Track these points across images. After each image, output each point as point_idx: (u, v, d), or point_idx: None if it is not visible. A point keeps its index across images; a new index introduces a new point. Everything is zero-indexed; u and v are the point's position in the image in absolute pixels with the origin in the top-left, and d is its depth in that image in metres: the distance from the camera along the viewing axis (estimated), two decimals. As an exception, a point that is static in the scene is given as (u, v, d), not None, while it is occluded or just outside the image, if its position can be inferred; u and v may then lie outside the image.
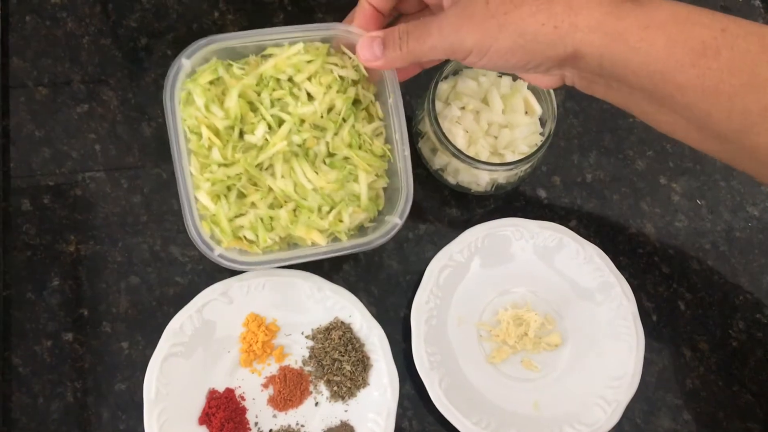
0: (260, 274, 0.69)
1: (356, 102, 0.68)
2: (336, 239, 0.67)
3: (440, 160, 0.73)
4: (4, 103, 0.74)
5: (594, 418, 0.68)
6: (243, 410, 0.67)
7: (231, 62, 0.66)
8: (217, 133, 0.64)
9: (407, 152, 0.66)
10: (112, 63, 0.76)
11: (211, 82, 0.66)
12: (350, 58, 0.67)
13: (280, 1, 0.80)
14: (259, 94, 0.66)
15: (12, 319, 0.68)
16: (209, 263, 0.71)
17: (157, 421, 0.64)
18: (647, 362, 0.70)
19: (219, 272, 0.71)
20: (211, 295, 0.68)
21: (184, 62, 0.63)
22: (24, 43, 0.76)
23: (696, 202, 0.78)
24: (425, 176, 0.76)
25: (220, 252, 0.62)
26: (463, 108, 0.73)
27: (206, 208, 0.64)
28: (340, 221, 0.66)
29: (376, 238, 0.65)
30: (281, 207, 0.65)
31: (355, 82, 0.68)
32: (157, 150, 0.74)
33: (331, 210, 0.66)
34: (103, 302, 0.70)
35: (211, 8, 0.79)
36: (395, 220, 0.65)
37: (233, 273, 0.69)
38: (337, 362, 0.68)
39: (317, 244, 0.65)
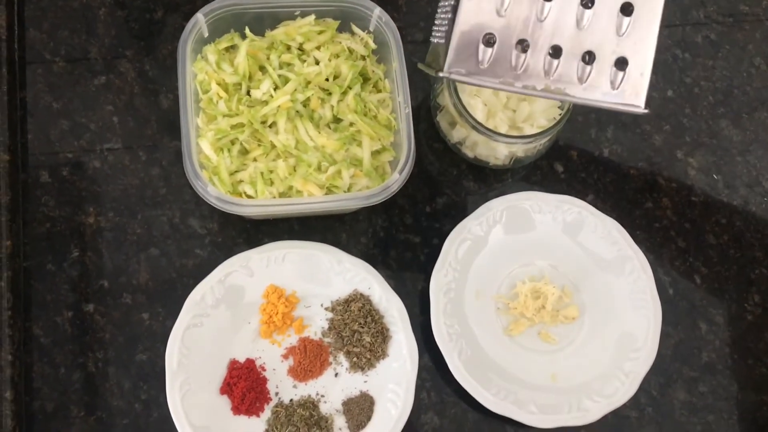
0: (280, 246, 0.69)
1: (365, 77, 0.69)
2: None
3: (458, 134, 0.73)
4: (21, 76, 0.74)
5: (611, 389, 0.69)
6: (264, 380, 0.67)
7: (245, 32, 0.68)
8: (225, 88, 0.67)
9: (408, 111, 0.67)
10: (129, 35, 0.76)
11: (226, 50, 0.70)
12: (360, 36, 0.69)
13: (296, -26, 0.79)
14: (268, 58, 0.68)
15: (32, 290, 0.69)
16: (228, 236, 0.72)
17: (180, 390, 0.64)
18: (663, 335, 0.70)
19: (238, 245, 0.71)
20: (231, 266, 0.68)
21: (200, 18, 0.66)
22: (40, 15, 0.75)
23: (712, 177, 0.78)
24: (443, 150, 0.76)
25: (215, 193, 0.63)
26: (481, 81, 0.72)
27: (208, 158, 0.65)
28: (340, 179, 0.66)
29: (375, 192, 0.64)
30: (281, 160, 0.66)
31: (363, 58, 0.70)
32: (174, 122, 0.73)
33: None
34: (123, 274, 0.70)
35: (227, -20, 0.78)
36: (395, 175, 0.65)
37: (252, 245, 0.70)
38: (357, 333, 0.68)
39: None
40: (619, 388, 0.69)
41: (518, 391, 0.69)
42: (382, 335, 0.68)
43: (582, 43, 0.63)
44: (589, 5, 0.62)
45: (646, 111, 0.65)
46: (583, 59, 0.63)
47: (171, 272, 0.70)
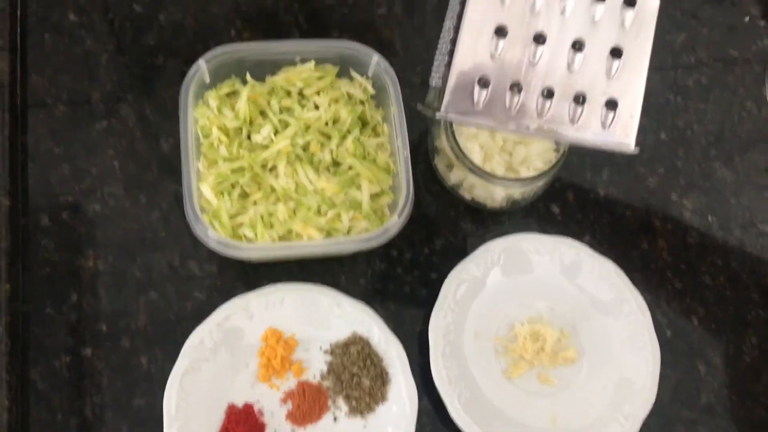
0: (279, 289, 0.69)
1: (364, 122, 0.71)
2: None
3: (456, 176, 0.73)
4: (23, 120, 0.74)
5: (611, 432, 0.69)
6: (262, 425, 0.67)
7: (246, 78, 0.69)
8: (226, 133, 0.69)
9: (407, 154, 0.68)
10: (130, 80, 0.77)
11: (227, 95, 0.71)
12: (359, 82, 0.70)
13: (295, 20, 0.81)
14: (269, 103, 0.70)
15: (31, 335, 0.68)
16: (227, 278, 0.72)
17: (178, 436, 0.64)
18: (662, 377, 0.71)
19: (237, 288, 0.71)
20: (230, 309, 0.68)
21: (202, 64, 0.67)
22: (43, 60, 0.77)
23: (707, 219, 0.79)
24: (441, 192, 0.77)
25: (215, 237, 0.63)
26: (478, 125, 0.74)
27: (209, 202, 0.66)
28: (339, 222, 0.67)
29: (375, 235, 0.65)
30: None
31: (362, 102, 0.71)
32: (175, 166, 0.74)
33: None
34: (121, 317, 0.70)
35: (227, 26, 0.80)
36: (394, 218, 0.65)
37: (251, 288, 0.70)
38: (356, 377, 0.68)
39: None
40: (618, 430, 0.69)
41: (518, 434, 0.68)
42: (381, 378, 0.68)
43: (573, 85, 0.65)
44: (580, 49, 0.64)
45: (636, 150, 0.66)
46: (575, 100, 0.65)
47: (170, 315, 0.70)
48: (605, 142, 0.66)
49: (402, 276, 0.74)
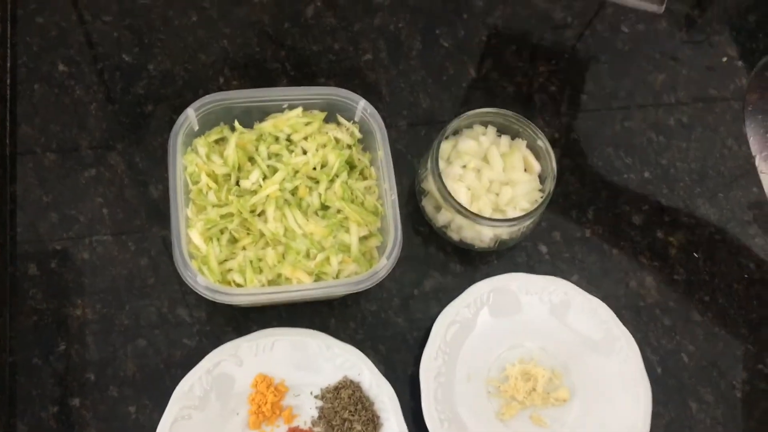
0: (269, 334, 0.69)
1: (351, 165, 0.72)
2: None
3: (444, 217, 0.74)
4: (12, 170, 0.75)
5: (605, 473, 0.68)
6: (253, 473, 0.66)
7: (234, 125, 0.70)
8: (215, 179, 0.69)
9: (395, 197, 0.68)
10: (120, 128, 0.78)
11: (216, 142, 0.72)
12: (346, 126, 0.71)
13: (282, 67, 0.82)
14: (257, 149, 0.70)
15: (18, 385, 0.68)
16: (217, 324, 0.71)
17: (167, 486, 0.63)
18: (655, 415, 0.70)
19: (226, 333, 0.71)
20: (220, 356, 0.68)
21: (190, 113, 0.68)
22: (32, 110, 0.77)
23: (693, 255, 0.79)
24: (429, 233, 0.77)
25: (204, 283, 0.63)
26: (464, 166, 0.75)
27: (197, 248, 0.66)
28: (329, 265, 0.67)
29: (364, 279, 0.65)
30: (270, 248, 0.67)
31: (350, 147, 0.72)
32: (163, 212, 0.75)
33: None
34: (109, 366, 0.69)
35: (216, 74, 0.81)
36: (383, 261, 0.65)
37: (241, 333, 0.70)
38: (347, 422, 0.67)
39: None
40: (613, 470, 0.68)
41: (512, 477, 0.68)
42: (372, 423, 0.68)
43: None
44: None
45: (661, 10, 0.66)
46: None
47: (159, 363, 0.70)
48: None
49: (392, 318, 0.74)
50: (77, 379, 0.68)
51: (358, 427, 0.67)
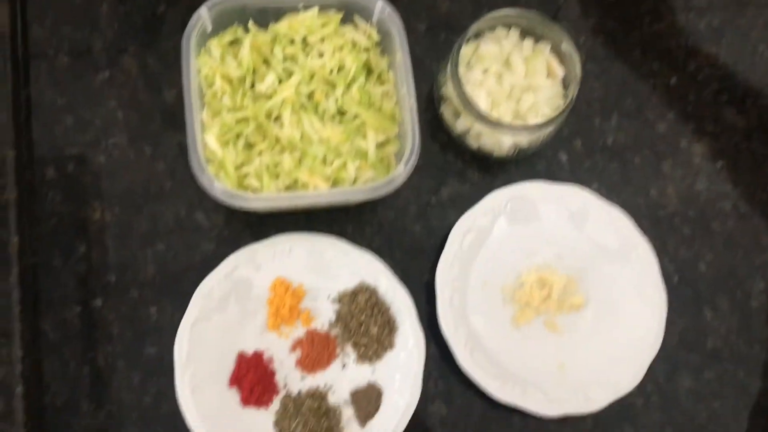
0: (286, 239, 0.69)
1: (369, 70, 0.70)
2: None
3: (463, 124, 0.73)
4: (25, 72, 0.74)
5: (617, 377, 0.69)
6: (272, 373, 0.68)
7: (249, 26, 0.68)
8: (230, 82, 0.67)
9: (413, 102, 0.66)
10: (132, 30, 0.76)
11: (230, 44, 0.70)
12: (363, 29, 0.69)
13: (298, -34, 0.79)
14: (272, 51, 0.69)
15: (41, 287, 0.69)
16: (234, 229, 0.72)
17: (189, 384, 0.65)
18: (669, 323, 0.71)
19: (243, 238, 0.71)
20: (238, 259, 0.68)
21: (203, 12, 0.66)
22: (43, 11, 0.75)
23: (716, 164, 0.78)
24: (447, 141, 0.76)
25: (221, 188, 0.62)
26: (485, 71, 0.73)
27: (213, 153, 0.65)
28: (345, 171, 0.66)
29: (381, 185, 0.64)
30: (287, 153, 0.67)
31: (367, 50, 0.70)
32: (178, 117, 0.73)
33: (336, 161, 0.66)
34: (129, 269, 0.70)
35: (229, -26, 0.78)
36: (401, 167, 0.65)
37: (258, 238, 0.70)
38: (364, 325, 0.68)
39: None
40: (624, 376, 0.69)
41: (525, 381, 0.69)
42: (388, 326, 0.69)
43: None
44: None
45: None
46: None
47: (178, 267, 0.70)
48: None
49: (409, 225, 0.74)
50: (98, 280, 0.70)
51: (375, 330, 0.68)
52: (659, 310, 0.71)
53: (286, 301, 0.68)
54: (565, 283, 0.72)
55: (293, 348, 0.69)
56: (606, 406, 0.68)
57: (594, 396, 0.69)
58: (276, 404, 0.67)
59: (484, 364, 0.68)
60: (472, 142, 0.74)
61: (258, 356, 0.68)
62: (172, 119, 0.74)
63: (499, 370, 0.69)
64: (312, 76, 0.68)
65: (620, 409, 0.70)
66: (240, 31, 0.70)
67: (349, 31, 0.70)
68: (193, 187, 0.72)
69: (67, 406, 0.67)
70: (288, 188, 0.67)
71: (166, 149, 0.73)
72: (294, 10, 0.70)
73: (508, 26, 0.73)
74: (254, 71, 0.68)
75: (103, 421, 0.67)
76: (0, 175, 0.70)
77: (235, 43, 0.70)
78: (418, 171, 0.68)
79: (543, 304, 0.71)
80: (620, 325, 0.71)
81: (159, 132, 0.73)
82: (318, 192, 0.65)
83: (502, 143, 0.72)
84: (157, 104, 0.74)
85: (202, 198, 0.72)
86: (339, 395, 0.68)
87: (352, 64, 0.68)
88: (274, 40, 0.69)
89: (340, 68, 0.69)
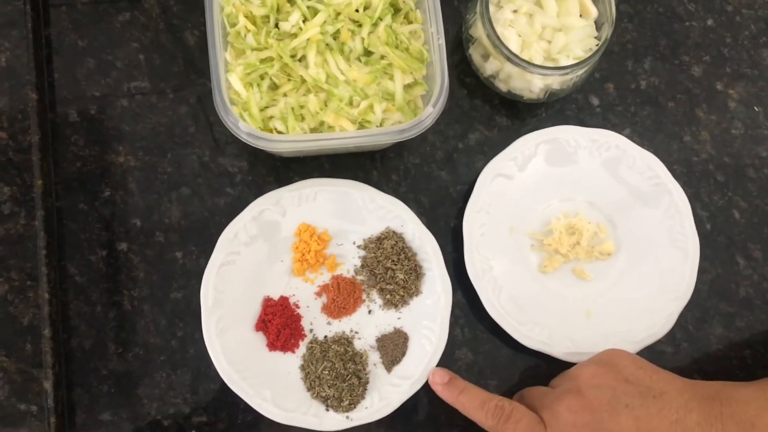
0: (311, 184, 0.68)
1: (396, 8, 0.67)
2: None
3: (492, 66, 0.71)
4: (45, 13, 0.72)
5: (647, 325, 0.68)
6: (298, 317, 0.67)
7: None
8: (253, 21, 0.65)
9: (442, 41, 0.64)
10: (152, -30, 0.74)
11: None
12: None
13: None
14: None
15: (66, 230, 0.69)
16: (258, 174, 0.71)
17: (215, 327, 0.65)
18: (700, 270, 0.70)
19: (268, 183, 0.71)
20: (263, 204, 0.67)
21: None
22: (61, -50, 0.74)
23: (753, 109, 0.75)
24: (475, 84, 0.74)
25: (246, 129, 0.61)
26: (515, 11, 0.70)
27: (238, 94, 0.64)
28: (372, 114, 0.65)
29: (408, 127, 0.62)
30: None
31: None
32: (201, 60, 0.73)
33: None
34: (155, 213, 0.70)
35: None
36: (428, 109, 0.63)
37: (283, 183, 0.69)
38: (390, 271, 0.68)
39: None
40: (654, 323, 0.68)
41: (552, 328, 0.68)
42: (415, 272, 0.68)
43: None
44: None
45: None
46: None
47: (203, 211, 0.70)
48: None
49: (435, 171, 0.73)
50: (123, 224, 0.69)
51: (401, 276, 0.67)
52: (691, 257, 0.69)
53: (312, 247, 0.68)
54: (595, 230, 0.70)
55: (319, 294, 0.68)
56: (635, 354, 0.67)
57: (623, 344, 0.68)
58: (302, 349, 0.67)
59: (511, 310, 0.68)
60: (501, 85, 0.72)
61: (284, 301, 0.67)
62: (194, 62, 0.72)
63: (525, 316, 0.68)
64: (337, 15, 0.66)
65: (650, 356, 0.69)
66: (263, -31, 0.68)
67: None
68: (217, 131, 0.71)
69: (95, 348, 0.67)
70: (313, 131, 0.65)
71: (189, 93, 0.72)
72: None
73: (541, -37, 0.71)
74: (278, 9, 0.66)
75: (130, 363, 0.67)
76: (22, 118, 0.69)
77: (258, -19, 0.68)
78: (444, 116, 0.66)
79: (572, 251, 0.70)
80: (651, 273, 0.70)
81: (182, 75, 0.72)
82: (344, 134, 0.64)
83: (532, 86, 0.70)
84: (179, 46, 0.73)
85: (226, 142, 0.71)
86: (365, 341, 0.68)
87: (378, 2, 0.66)
88: None
89: (366, 6, 0.66)
